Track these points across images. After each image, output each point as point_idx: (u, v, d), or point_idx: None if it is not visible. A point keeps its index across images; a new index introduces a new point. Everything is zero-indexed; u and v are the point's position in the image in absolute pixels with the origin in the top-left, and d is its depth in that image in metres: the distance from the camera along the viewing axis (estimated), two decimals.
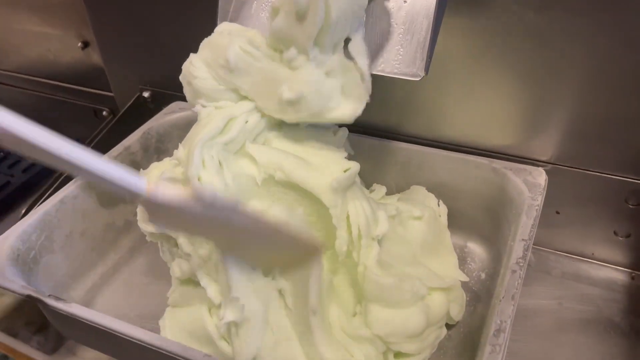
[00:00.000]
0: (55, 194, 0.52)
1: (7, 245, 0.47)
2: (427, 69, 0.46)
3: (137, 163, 0.60)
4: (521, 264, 0.43)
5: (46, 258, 0.50)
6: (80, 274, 0.55)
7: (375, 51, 0.48)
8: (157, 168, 0.48)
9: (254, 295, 0.40)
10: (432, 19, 0.46)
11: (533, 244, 0.55)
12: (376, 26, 0.48)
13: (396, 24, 0.48)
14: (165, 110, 0.63)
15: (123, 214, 0.59)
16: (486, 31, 0.49)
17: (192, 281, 0.47)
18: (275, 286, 0.42)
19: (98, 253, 0.57)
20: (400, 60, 0.47)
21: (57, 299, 0.42)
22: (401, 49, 0.47)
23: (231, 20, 0.53)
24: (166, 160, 0.50)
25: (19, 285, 0.43)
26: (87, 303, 0.54)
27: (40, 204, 0.60)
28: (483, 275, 0.55)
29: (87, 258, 0.55)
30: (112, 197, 0.57)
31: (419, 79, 0.46)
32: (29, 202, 0.67)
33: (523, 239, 0.45)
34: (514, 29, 0.48)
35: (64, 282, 0.53)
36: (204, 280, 0.42)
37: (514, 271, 0.42)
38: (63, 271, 0.53)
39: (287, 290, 0.42)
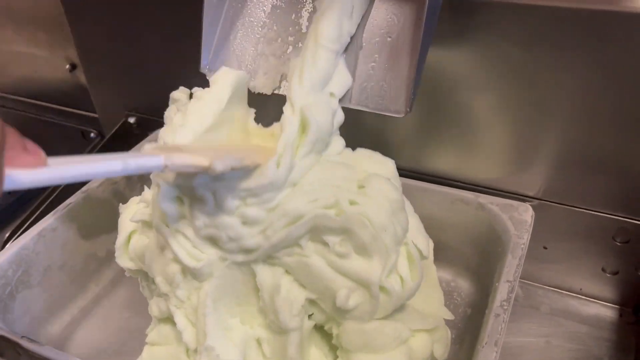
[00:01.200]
0: (34, 226, 0.51)
1: None
2: (410, 106, 0.46)
3: (120, 192, 0.59)
4: (505, 307, 0.42)
5: (23, 293, 0.49)
6: (59, 308, 0.54)
7: (359, 86, 0.48)
8: (134, 203, 0.48)
9: (231, 344, 0.39)
10: (416, 56, 0.45)
11: (522, 278, 0.55)
12: (361, 62, 0.48)
13: (381, 60, 0.47)
14: (149, 137, 0.63)
15: (105, 244, 0.58)
16: (473, 66, 0.49)
17: (170, 320, 0.46)
18: (253, 335, 0.41)
19: (78, 285, 0.55)
20: (383, 96, 0.47)
21: (31, 340, 0.41)
22: (385, 85, 0.47)
23: (215, 51, 0.52)
24: (133, 201, 0.49)
25: None
26: (65, 338, 0.53)
27: (19, 235, 0.59)
28: (469, 311, 0.54)
29: (66, 291, 0.54)
30: (93, 227, 0.56)
31: (402, 115, 0.46)
32: (14, 226, 0.66)
33: (508, 280, 0.44)
34: (501, 65, 0.48)
35: (42, 317, 0.52)
36: (181, 323, 0.41)
37: (497, 315, 0.42)
38: (40, 306, 0.51)
39: (265, 339, 0.41)
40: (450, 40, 0.48)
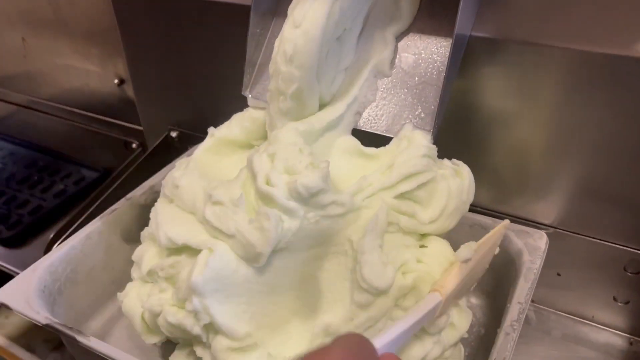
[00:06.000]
0: (82, 228, 0.56)
1: (35, 277, 0.50)
2: (435, 134, 0.49)
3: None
4: (515, 327, 0.45)
5: (70, 289, 0.54)
6: (100, 305, 0.58)
7: (388, 115, 0.51)
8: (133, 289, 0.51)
9: None
10: (440, 89, 0.49)
11: (536, 303, 0.57)
12: (389, 92, 0.51)
13: (408, 91, 0.51)
14: (188, 151, 0.67)
15: None
16: (496, 99, 0.52)
17: None
18: None
19: (118, 286, 0.60)
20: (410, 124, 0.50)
21: (79, 332, 0.46)
22: (410, 115, 0.50)
23: (256, 76, 0.56)
24: (132, 285, 0.52)
25: (43, 317, 0.46)
26: (105, 333, 0.57)
27: (67, 236, 0.64)
28: (482, 331, 0.56)
29: (107, 290, 0.58)
30: (135, 232, 0.60)
31: None
32: (59, 226, 0.71)
33: (519, 302, 0.47)
34: (523, 100, 0.51)
35: (85, 313, 0.56)
36: None
37: (507, 334, 0.44)
38: (84, 302, 0.56)
39: None
40: (473, 74, 0.51)
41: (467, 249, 0.45)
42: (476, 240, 0.56)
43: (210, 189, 0.46)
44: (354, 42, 0.51)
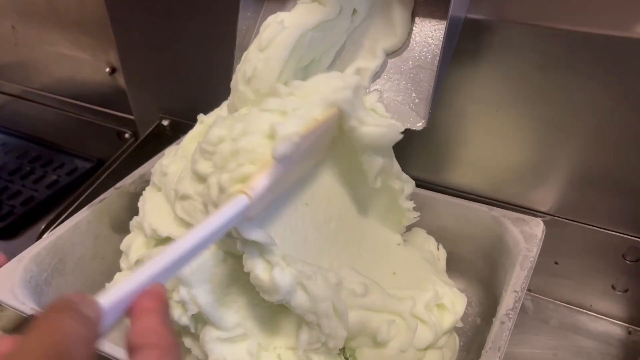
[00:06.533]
0: (71, 218, 0.55)
1: (21, 267, 0.49)
2: (429, 119, 0.48)
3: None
4: (510, 316, 0.44)
5: (57, 280, 0.53)
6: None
7: (383, 99, 0.50)
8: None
9: None
10: (436, 72, 0.47)
11: (533, 292, 0.56)
12: (384, 76, 0.50)
13: (402, 76, 0.50)
14: (177, 142, 0.65)
15: None
16: (491, 84, 0.51)
17: None
18: None
19: (107, 276, 0.59)
20: (403, 109, 0.49)
21: None
22: (405, 99, 0.49)
23: None
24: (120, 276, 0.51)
25: (29, 307, 0.46)
26: None
27: (58, 224, 0.63)
28: (479, 321, 0.55)
29: (97, 281, 0.57)
30: (124, 222, 0.59)
31: (420, 128, 0.48)
32: (51, 216, 0.70)
33: (515, 290, 0.46)
34: (518, 84, 0.50)
35: None
36: None
37: (502, 322, 0.43)
38: (73, 292, 0.55)
39: None
40: (469, 58, 0.50)
41: (284, 143, 0.36)
42: (469, 230, 0.55)
43: (175, 183, 0.45)
44: (321, 71, 0.50)
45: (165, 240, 0.45)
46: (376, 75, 0.50)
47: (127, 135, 0.89)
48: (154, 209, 0.47)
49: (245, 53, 0.46)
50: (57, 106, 0.95)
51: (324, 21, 0.46)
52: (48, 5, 0.84)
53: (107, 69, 0.84)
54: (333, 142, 0.44)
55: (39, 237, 0.68)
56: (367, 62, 0.50)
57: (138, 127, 0.83)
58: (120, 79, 0.83)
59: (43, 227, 0.69)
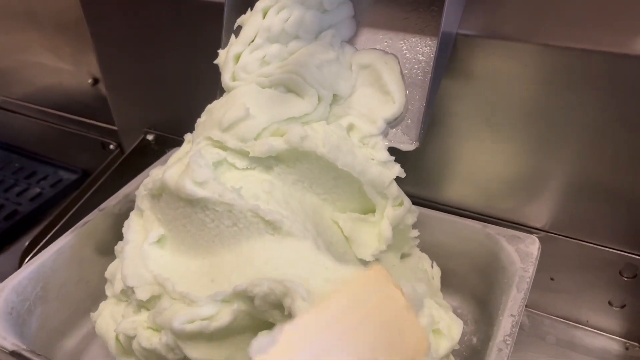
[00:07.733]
0: (52, 244, 0.53)
1: (1, 299, 0.47)
2: (421, 140, 0.47)
3: None
4: (508, 342, 0.43)
5: (41, 308, 0.51)
6: (75, 322, 0.55)
7: None
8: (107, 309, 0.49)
9: None
10: (427, 90, 0.46)
11: (529, 308, 0.55)
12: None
13: None
14: (162, 158, 0.64)
15: None
16: (486, 100, 0.50)
17: None
18: None
19: (94, 300, 0.57)
20: (395, 130, 0.48)
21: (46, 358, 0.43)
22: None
23: None
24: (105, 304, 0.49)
25: (10, 343, 0.44)
26: (80, 352, 0.54)
27: (39, 249, 0.61)
28: (474, 340, 0.54)
29: (82, 306, 0.56)
30: (109, 244, 0.57)
31: (413, 149, 0.47)
32: (36, 232, 0.69)
33: (512, 315, 0.45)
34: (512, 99, 0.48)
35: (58, 331, 0.54)
36: None
37: (500, 350, 0.42)
38: (57, 320, 0.53)
39: None
40: (462, 75, 0.49)
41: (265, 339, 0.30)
42: (464, 247, 0.54)
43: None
44: None
45: None
46: None
47: (112, 147, 0.87)
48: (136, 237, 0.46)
49: (209, 107, 0.48)
50: (40, 117, 0.92)
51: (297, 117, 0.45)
52: (26, 11, 0.82)
53: (90, 80, 0.82)
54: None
55: (23, 255, 0.66)
56: (369, 127, 0.48)
57: (122, 139, 0.81)
58: (104, 90, 0.81)
59: (27, 243, 0.68)
